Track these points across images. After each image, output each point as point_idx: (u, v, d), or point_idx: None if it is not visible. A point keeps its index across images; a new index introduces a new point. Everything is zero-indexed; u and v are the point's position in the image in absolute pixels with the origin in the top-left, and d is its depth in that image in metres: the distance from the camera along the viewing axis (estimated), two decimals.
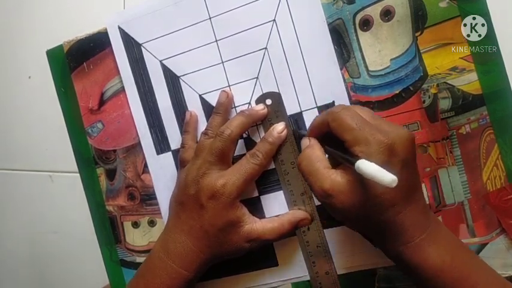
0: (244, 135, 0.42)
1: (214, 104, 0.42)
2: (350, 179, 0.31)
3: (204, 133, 0.40)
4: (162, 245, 0.39)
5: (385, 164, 0.29)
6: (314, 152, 0.35)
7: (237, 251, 0.38)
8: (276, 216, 0.40)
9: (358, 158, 0.29)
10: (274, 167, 0.41)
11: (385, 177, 0.27)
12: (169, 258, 0.38)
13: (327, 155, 0.35)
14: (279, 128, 0.39)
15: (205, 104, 0.43)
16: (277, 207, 0.41)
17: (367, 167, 0.28)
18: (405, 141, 0.31)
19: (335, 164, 0.34)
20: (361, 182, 0.31)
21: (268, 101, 0.41)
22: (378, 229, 0.32)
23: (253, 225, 0.38)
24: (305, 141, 0.37)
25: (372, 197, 0.31)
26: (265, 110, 0.40)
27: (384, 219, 0.31)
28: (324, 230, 0.40)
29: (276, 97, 0.40)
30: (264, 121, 0.41)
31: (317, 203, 0.40)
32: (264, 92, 0.41)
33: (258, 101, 0.41)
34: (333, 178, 0.32)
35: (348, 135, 0.31)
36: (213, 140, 0.38)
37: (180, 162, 0.42)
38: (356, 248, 0.40)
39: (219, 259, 0.39)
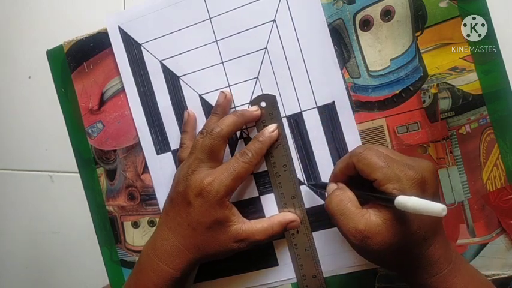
0: (244, 135, 0.42)
1: (214, 104, 0.42)
2: (386, 218, 0.31)
3: (200, 132, 0.40)
4: (151, 242, 0.39)
5: None
6: (344, 193, 0.34)
7: (225, 251, 0.38)
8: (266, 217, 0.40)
9: (393, 195, 0.29)
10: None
11: (435, 207, 0.27)
12: (156, 256, 0.38)
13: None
14: (271, 128, 0.39)
15: (205, 104, 0.43)
16: (277, 207, 0.41)
17: (411, 201, 0.28)
18: (432, 174, 0.31)
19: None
20: (397, 220, 0.31)
21: (263, 103, 0.41)
22: (408, 264, 0.32)
23: (242, 225, 0.38)
24: (332, 186, 0.36)
25: (409, 234, 0.31)
26: (259, 111, 0.40)
27: (415, 254, 0.31)
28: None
29: (271, 99, 0.41)
30: (258, 123, 0.41)
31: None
32: (264, 92, 0.41)
33: (252, 103, 0.41)
34: (367, 218, 0.31)
35: (377, 174, 0.31)
36: (204, 138, 0.38)
37: (179, 162, 0.42)
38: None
39: (207, 259, 0.38)
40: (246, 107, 0.42)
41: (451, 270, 0.32)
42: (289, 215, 0.40)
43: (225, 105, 0.41)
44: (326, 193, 0.36)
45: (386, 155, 0.32)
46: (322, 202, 0.40)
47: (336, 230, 0.39)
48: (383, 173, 0.31)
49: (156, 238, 0.39)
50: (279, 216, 0.40)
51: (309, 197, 0.40)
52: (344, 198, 0.33)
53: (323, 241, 0.40)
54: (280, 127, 0.40)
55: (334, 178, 0.37)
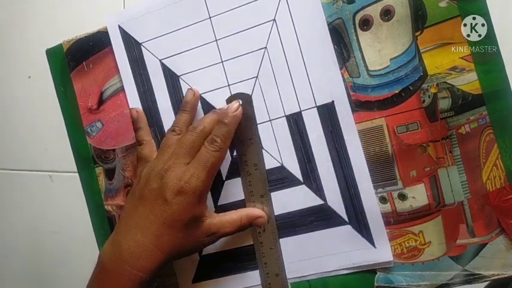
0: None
1: (214, 104, 0.42)
2: None
3: (172, 130, 0.40)
4: (113, 244, 0.37)
5: None
6: None
7: (198, 246, 0.38)
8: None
9: None
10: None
11: None
12: (121, 259, 0.35)
13: None
14: (234, 106, 0.39)
15: (204, 104, 0.43)
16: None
17: None
18: None
19: None
20: None
21: (239, 102, 0.41)
22: None
23: (213, 219, 0.38)
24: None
25: None
26: (240, 109, 0.40)
27: None
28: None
29: (246, 99, 0.41)
30: None
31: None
32: (263, 91, 0.41)
33: (228, 101, 0.41)
34: None
35: None
36: (184, 135, 0.39)
37: (139, 159, 0.42)
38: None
39: (177, 257, 0.38)
40: None
41: None
42: (258, 210, 0.40)
43: (193, 103, 0.41)
44: None
45: None
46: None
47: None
48: None
49: (119, 239, 0.36)
50: (248, 209, 0.40)
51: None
52: None
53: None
54: (253, 121, 0.40)
55: None
